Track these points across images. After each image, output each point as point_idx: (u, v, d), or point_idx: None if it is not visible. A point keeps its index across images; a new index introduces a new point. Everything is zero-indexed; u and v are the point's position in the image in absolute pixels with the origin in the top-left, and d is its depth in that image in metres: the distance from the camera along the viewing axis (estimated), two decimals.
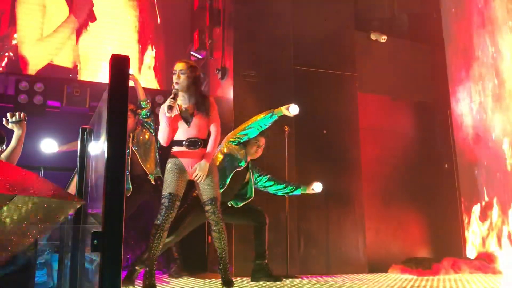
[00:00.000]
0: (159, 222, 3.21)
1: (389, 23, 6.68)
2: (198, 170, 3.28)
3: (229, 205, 3.97)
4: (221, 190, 3.65)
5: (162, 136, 3.33)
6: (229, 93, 5.31)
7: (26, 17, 6.59)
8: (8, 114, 2.84)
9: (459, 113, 6.31)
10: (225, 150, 3.87)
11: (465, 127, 6.20)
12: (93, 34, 6.92)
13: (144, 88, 4.50)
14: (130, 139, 4.29)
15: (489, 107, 5.82)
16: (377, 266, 5.30)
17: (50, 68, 6.74)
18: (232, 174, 3.80)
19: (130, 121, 4.30)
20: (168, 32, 7.32)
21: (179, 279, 4.36)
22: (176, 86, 3.33)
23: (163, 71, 7.20)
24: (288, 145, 4.78)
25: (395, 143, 6.18)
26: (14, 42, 6.49)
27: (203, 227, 5.26)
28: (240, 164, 3.87)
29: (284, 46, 5.48)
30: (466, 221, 6.10)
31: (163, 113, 3.28)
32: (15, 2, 6.60)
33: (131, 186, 4.19)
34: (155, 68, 7.22)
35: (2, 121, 2.90)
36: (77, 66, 6.82)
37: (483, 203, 5.82)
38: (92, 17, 6.97)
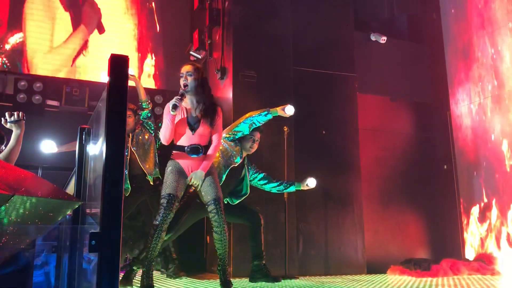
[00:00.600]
0: (157, 222, 3.21)
1: (389, 24, 6.69)
2: (194, 179, 3.30)
3: (225, 203, 3.96)
4: None
5: (164, 134, 3.33)
6: (229, 93, 5.31)
7: (35, 29, 6.60)
8: (7, 114, 2.83)
9: (458, 114, 6.31)
10: (220, 147, 3.86)
11: (464, 128, 6.20)
12: (92, 43, 6.91)
13: (144, 88, 4.49)
14: (129, 139, 4.28)
15: (488, 108, 5.82)
16: (376, 267, 5.30)
17: None
18: (227, 170, 3.80)
19: (131, 121, 4.29)
20: (167, 41, 7.31)
21: (177, 279, 4.36)
22: (184, 88, 3.35)
23: (162, 78, 7.19)
24: (287, 145, 4.78)
25: (394, 144, 6.18)
26: (9, 47, 6.47)
27: (201, 227, 5.26)
28: (235, 161, 3.86)
29: (284, 46, 5.48)
30: (465, 222, 6.10)
31: (167, 111, 3.29)
32: (22, 14, 6.58)
33: (129, 186, 4.18)
34: (154, 76, 7.21)
35: (1, 120, 2.89)
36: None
37: (482, 204, 5.81)
38: (101, 28, 6.97)
